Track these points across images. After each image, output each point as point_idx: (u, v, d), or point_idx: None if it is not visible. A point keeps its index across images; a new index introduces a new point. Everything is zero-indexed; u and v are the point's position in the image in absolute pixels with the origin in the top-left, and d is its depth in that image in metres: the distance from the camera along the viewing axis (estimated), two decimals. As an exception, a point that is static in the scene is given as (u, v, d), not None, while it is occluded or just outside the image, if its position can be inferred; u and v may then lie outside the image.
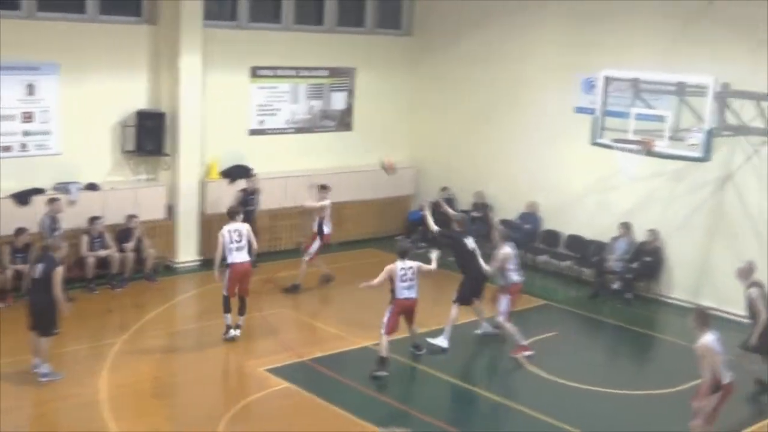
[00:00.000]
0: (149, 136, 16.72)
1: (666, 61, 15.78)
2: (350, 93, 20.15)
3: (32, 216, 15.20)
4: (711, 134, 13.61)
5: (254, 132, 18.70)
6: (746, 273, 12.44)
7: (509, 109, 19.13)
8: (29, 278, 11.96)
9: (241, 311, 13.79)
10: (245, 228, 13.77)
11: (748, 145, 15.39)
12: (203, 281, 16.52)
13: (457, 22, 19.96)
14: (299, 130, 19.40)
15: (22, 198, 15.42)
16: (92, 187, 16.28)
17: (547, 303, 16.54)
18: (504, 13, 19.08)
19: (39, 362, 11.82)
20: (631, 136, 14.25)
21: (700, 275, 16.35)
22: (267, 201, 17.79)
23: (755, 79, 14.50)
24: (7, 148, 15.48)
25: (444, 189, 18.69)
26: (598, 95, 14.92)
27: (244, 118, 18.53)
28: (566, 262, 18.25)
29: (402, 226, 20.43)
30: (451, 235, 14.30)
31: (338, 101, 20.02)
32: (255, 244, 13.99)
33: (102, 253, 15.73)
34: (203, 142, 17.45)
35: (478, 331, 14.42)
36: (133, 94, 16.76)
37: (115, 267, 15.84)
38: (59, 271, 11.62)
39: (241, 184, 17.44)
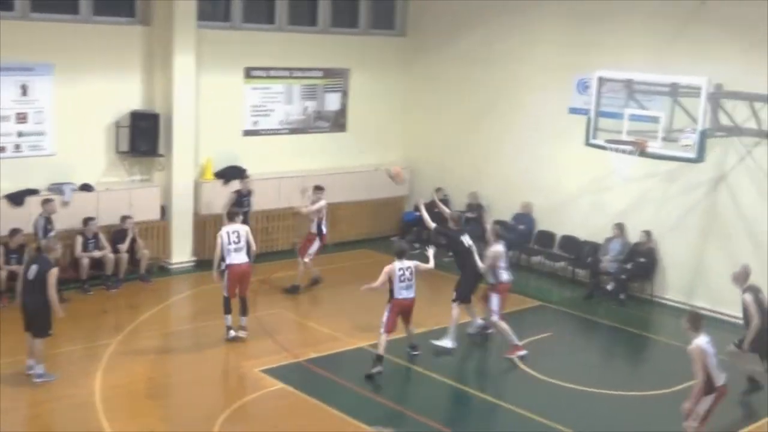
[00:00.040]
0: (143, 136, 16.71)
1: (659, 62, 15.83)
2: (344, 94, 20.16)
3: (26, 217, 15.18)
4: (704, 135, 13.67)
5: (248, 133, 18.70)
6: (741, 278, 12.45)
7: (503, 109, 19.15)
8: (23, 279, 11.90)
9: (243, 312, 13.78)
10: (244, 229, 13.77)
11: (741, 146, 15.43)
12: (198, 282, 16.52)
13: (451, 22, 19.99)
14: (293, 131, 19.41)
15: (16, 199, 15.39)
16: (86, 187, 16.26)
17: (542, 304, 16.56)
18: (498, 14, 19.10)
19: (33, 363, 11.80)
20: (624, 137, 14.31)
21: (694, 276, 16.38)
22: (261, 202, 17.77)
23: (748, 79, 14.54)
24: (1, 149, 15.44)
25: (438, 190, 18.70)
26: (591, 96, 14.97)
27: (238, 119, 18.52)
28: (560, 263, 18.28)
29: (396, 226, 20.45)
30: (447, 233, 14.34)
31: (332, 102, 20.02)
32: (254, 246, 13.97)
33: (96, 253, 15.71)
34: (197, 142, 17.45)
35: (471, 331, 14.44)
36: (127, 94, 16.74)
37: (109, 268, 15.82)
38: (54, 273, 11.57)
39: (235, 185, 17.43)
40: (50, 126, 15.96)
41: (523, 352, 13.61)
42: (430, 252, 13.34)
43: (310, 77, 19.48)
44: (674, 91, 14.37)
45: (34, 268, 11.64)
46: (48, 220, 15.02)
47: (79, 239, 15.61)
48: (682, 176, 16.14)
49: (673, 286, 16.68)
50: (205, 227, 17.56)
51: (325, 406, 11.56)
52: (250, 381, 12.49)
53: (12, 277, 14.31)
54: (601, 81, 14.76)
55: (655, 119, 14.12)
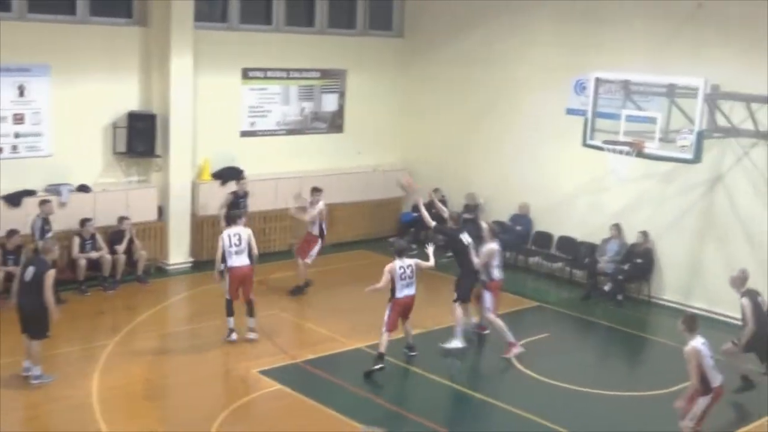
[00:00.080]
0: (140, 137, 16.70)
1: (656, 63, 15.85)
2: (341, 94, 20.16)
3: (23, 218, 15.17)
4: (701, 136, 13.67)
5: (245, 133, 18.70)
6: (739, 282, 12.47)
7: (501, 110, 19.16)
8: (19, 281, 11.85)
9: (250, 313, 13.77)
10: (246, 233, 13.73)
11: (738, 147, 15.44)
12: (195, 283, 16.52)
13: (449, 23, 19.99)
14: (290, 132, 19.41)
15: (14, 200, 15.38)
16: (83, 188, 16.25)
17: (539, 304, 16.57)
18: (495, 15, 19.11)
19: (30, 365, 11.78)
20: (621, 138, 14.30)
21: (691, 277, 16.40)
22: (258, 203, 17.77)
23: (745, 80, 14.52)
24: (-2, 150, 15.48)
25: (436, 190, 18.69)
26: (589, 97, 14.97)
27: (236, 120, 18.51)
28: (558, 264, 18.29)
29: (394, 227, 20.45)
30: (446, 231, 14.36)
31: (329, 103, 20.02)
32: (255, 249, 13.88)
33: (93, 254, 15.70)
34: (194, 143, 17.44)
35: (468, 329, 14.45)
36: (124, 95, 16.73)
37: (106, 269, 15.81)
38: (50, 275, 11.54)
39: (231, 186, 17.42)
40: (47, 127, 15.95)
41: (519, 350, 13.64)
42: (430, 250, 13.35)
43: (307, 78, 19.49)
44: (671, 92, 14.37)
45: (30, 270, 11.61)
46: (45, 221, 15.01)
47: (77, 240, 15.60)
48: (679, 177, 16.16)
49: (670, 286, 16.70)
50: (203, 228, 17.56)
51: (323, 407, 11.56)
52: (247, 382, 12.48)
53: (9, 278, 14.25)
54: (598, 82, 14.77)
55: (652, 120, 14.12)
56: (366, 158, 20.43)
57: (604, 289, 16.85)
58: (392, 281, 12.66)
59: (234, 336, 13.61)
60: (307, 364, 13.04)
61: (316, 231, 16.17)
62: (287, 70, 19.12)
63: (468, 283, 13.94)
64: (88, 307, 15.00)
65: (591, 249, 17.51)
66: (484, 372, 13.99)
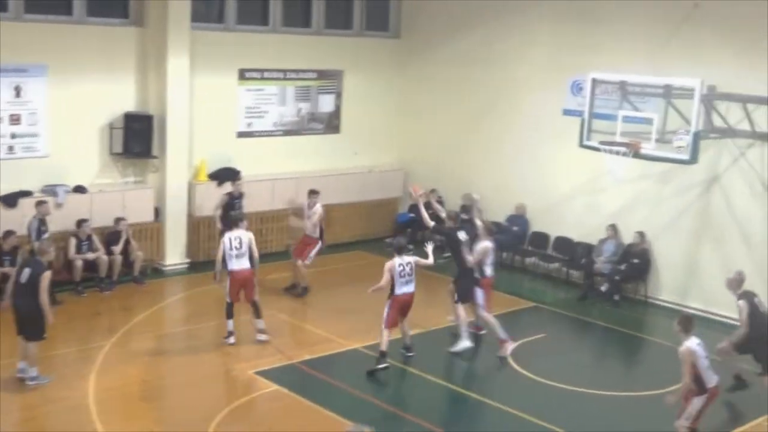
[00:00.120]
0: (137, 138, 16.67)
1: (653, 64, 15.85)
2: (338, 95, 20.16)
3: (20, 218, 15.14)
4: (698, 137, 13.71)
5: (242, 134, 18.69)
6: (735, 284, 12.48)
7: (498, 111, 19.17)
8: (15, 282, 11.80)
9: (256, 314, 13.73)
10: (247, 236, 13.68)
11: (734, 148, 15.46)
12: (191, 284, 16.52)
13: (445, 24, 20.00)
14: (287, 133, 19.40)
15: (10, 200, 15.37)
16: (80, 189, 16.23)
17: (536, 305, 16.58)
18: (492, 16, 19.12)
19: (25, 366, 11.76)
20: (618, 138, 14.33)
21: (688, 277, 16.42)
22: (255, 203, 17.74)
23: (741, 81, 14.56)
24: (-6, 151, 15.46)
25: (432, 191, 18.72)
26: (585, 97, 14.99)
27: (232, 121, 18.51)
28: (554, 264, 18.29)
29: (390, 228, 20.45)
30: (444, 231, 14.38)
31: (326, 103, 20.02)
32: (256, 253, 13.79)
33: (90, 255, 15.68)
34: (191, 144, 17.43)
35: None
36: (120, 96, 16.71)
37: (103, 270, 15.79)
38: (46, 277, 11.50)
39: (227, 187, 17.40)
40: (44, 127, 15.93)
41: (512, 345, 13.65)
42: (429, 248, 13.37)
43: (304, 79, 19.48)
44: (668, 93, 14.40)
45: (26, 272, 11.57)
46: (41, 222, 14.98)
47: (73, 241, 15.59)
48: (675, 178, 16.17)
49: (667, 287, 16.71)
50: (199, 229, 17.54)
51: (320, 408, 11.55)
52: (244, 383, 12.47)
53: (5, 279, 14.22)
54: (595, 82, 14.80)
55: (648, 121, 14.16)
56: (363, 159, 20.43)
57: (601, 290, 16.86)
58: (392, 279, 12.69)
59: (232, 339, 13.58)
60: (305, 365, 13.03)
61: (315, 233, 16.17)
62: (284, 71, 19.11)
63: (467, 284, 13.95)
64: (84, 308, 14.99)
65: (588, 249, 17.52)
66: (481, 372, 14.00)
